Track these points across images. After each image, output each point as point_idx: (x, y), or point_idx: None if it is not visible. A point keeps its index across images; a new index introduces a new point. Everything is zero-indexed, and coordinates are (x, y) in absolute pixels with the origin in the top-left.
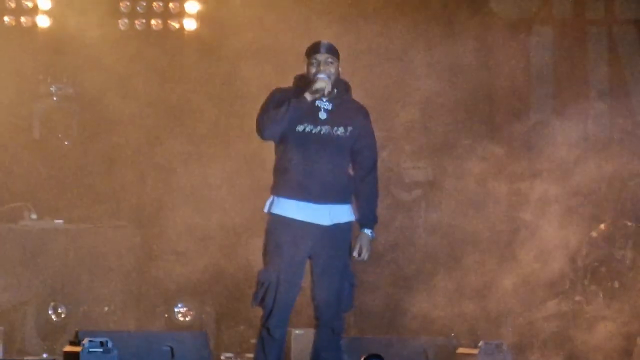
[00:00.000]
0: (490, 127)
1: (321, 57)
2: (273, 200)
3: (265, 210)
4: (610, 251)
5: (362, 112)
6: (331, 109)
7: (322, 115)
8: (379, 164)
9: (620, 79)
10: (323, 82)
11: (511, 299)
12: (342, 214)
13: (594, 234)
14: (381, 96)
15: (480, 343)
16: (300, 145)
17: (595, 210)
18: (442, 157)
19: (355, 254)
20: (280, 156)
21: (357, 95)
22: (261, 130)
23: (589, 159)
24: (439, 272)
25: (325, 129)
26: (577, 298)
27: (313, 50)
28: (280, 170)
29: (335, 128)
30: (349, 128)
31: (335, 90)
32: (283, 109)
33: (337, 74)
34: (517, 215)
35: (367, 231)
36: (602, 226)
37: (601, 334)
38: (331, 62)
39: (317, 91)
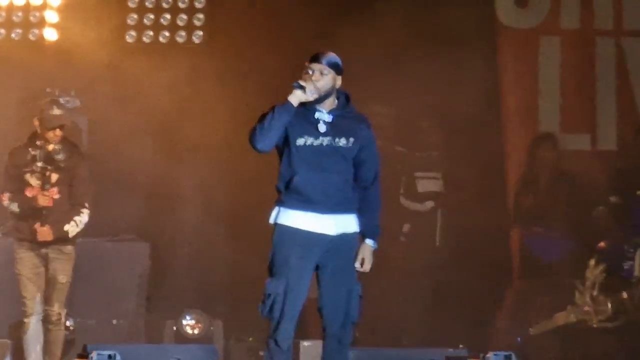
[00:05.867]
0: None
1: (317, 66)
2: (279, 211)
3: (271, 221)
4: (619, 262)
5: (364, 122)
6: (331, 120)
7: (322, 127)
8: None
9: (627, 90)
10: (300, 84)
11: (519, 310)
12: (347, 224)
13: (602, 244)
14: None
15: (489, 354)
16: (302, 159)
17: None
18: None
19: (357, 264)
20: (284, 169)
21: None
22: (253, 142)
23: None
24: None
25: (326, 140)
26: (586, 309)
27: (313, 58)
28: (284, 182)
29: (337, 139)
30: (351, 139)
31: (335, 102)
32: (269, 116)
33: (333, 85)
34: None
35: (370, 242)
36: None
37: (610, 345)
38: (325, 74)
39: (297, 85)
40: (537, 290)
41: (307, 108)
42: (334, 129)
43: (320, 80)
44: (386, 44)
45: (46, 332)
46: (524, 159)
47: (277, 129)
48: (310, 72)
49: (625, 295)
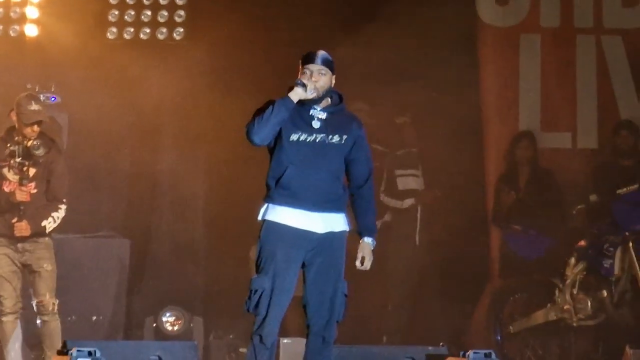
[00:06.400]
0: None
1: (314, 67)
2: (267, 207)
3: (260, 217)
4: (599, 260)
5: (356, 121)
6: (325, 117)
7: (316, 124)
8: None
9: (607, 88)
10: (305, 80)
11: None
12: (336, 223)
13: (582, 242)
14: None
15: (470, 352)
16: (294, 154)
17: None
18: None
19: (357, 263)
20: (275, 165)
21: (350, 102)
22: (250, 135)
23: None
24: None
25: (320, 137)
26: (566, 307)
27: (307, 59)
28: (274, 178)
29: (330, 136)
30: (344, 136)
31: (329, 100)
32: (268, 110)
33: (330, 84)
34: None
35: (369, 240)
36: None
37: (589, 343)
38: (323, 74)
39: (299, 83)
40: (517, 288)
41: (302, 105)
42: (327, 126)
43: (319, 80)
44: (364, 41)
45: (43, 324)
46: (503, 156)
47: (275, 124)
48: (309, 73)
49: (605, 293)
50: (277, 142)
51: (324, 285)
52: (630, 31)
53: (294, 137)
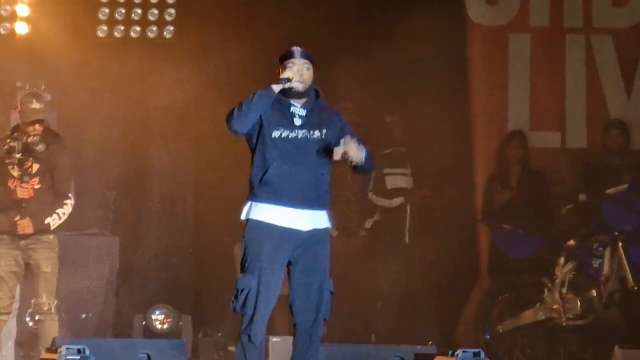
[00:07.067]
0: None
1: (298, 61)
2: (251, 205)
3: (243, 217)
4: (588, 260)
5: (336, 114)
6: (305, 114)
7: (297, 121)
8: None
9: (597, 88)
10: (290, 72)
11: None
12: (319, 219)
13: (571, 242)
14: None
15: (459, 351)
16: (277, 151)
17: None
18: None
19: (338, 155)
20: (258, 163)
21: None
22: (229, 122)
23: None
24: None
25: (302, 133)
26: (555, 306)
27: (289, 55)
28: (257, 176)
29: (311, 132)
30: (324, 130)
31: (309, 96)
32: (249, 98)
33: (312, 79)
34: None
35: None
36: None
37: (578, 342)
38: (307, 68)
39: (285, 80)
40: (506, 287)
41: (282, 103)
42: (308, 122)
43: (304, 74)
44: (352, 39)
45: (39, 324)
46: (492, 156)
47: (255, 112)
48: (295, 68)
49: (594, 293)
50: (259, 140)
51: (309, 284)
52: (619, 31)
53: (276, 134)
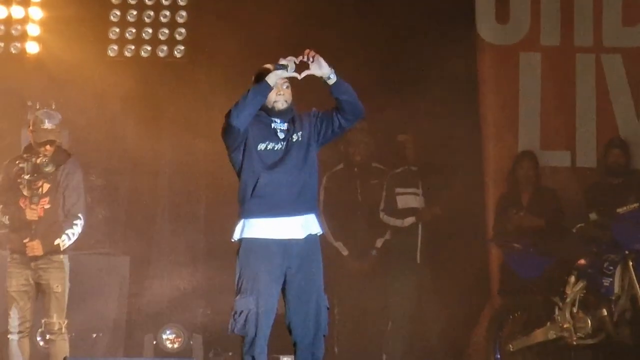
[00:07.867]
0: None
1: (279, 80)
2: (243, 224)
3: (236, 237)
4: (598, 279)
5: (306, 114)
6: (287, 127)
7: (281, 135)
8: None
9: (607, 107)
10: (285, 61)
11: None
12: (312, 225)
13: (582, 261)
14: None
15: None
16: (264, 162)
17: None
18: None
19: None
20: (246, 177)
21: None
22: (229, 119)
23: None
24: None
25: (284, 144)
26: (565, 325)
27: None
28: (248, 190)
29: (292, 139)
30: (300, 132)
31: (288, 114)
32: (245, 94)
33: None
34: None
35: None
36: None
37: None
38: (287, 87)
39: (280, 66)
40: (517, 306)
41: (264, 120)
42: (289, 132)
43: (285, 92)
44: (364, 58)
45: (50, 343)
46: (503, 175)
47: (254, 106)
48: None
49: (604, 312)
50: (245, 156)
51: (306, 303)
52: (630, 50)
53: (262, 146)
